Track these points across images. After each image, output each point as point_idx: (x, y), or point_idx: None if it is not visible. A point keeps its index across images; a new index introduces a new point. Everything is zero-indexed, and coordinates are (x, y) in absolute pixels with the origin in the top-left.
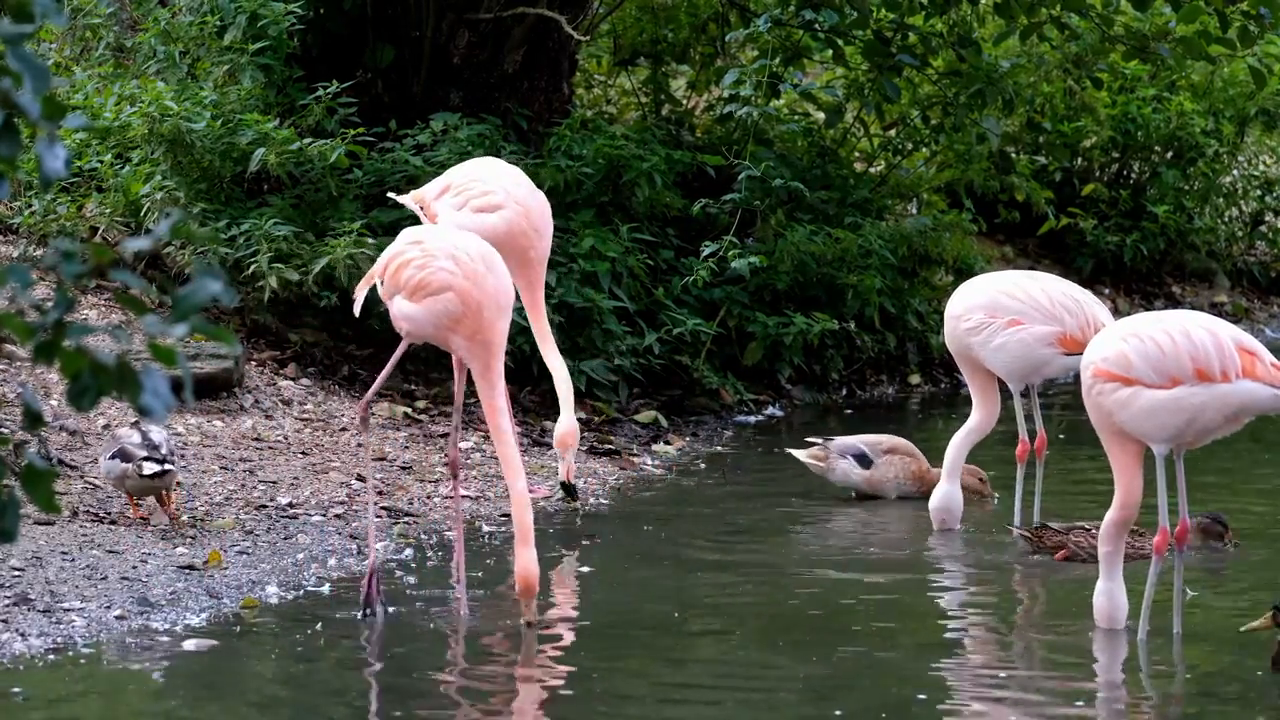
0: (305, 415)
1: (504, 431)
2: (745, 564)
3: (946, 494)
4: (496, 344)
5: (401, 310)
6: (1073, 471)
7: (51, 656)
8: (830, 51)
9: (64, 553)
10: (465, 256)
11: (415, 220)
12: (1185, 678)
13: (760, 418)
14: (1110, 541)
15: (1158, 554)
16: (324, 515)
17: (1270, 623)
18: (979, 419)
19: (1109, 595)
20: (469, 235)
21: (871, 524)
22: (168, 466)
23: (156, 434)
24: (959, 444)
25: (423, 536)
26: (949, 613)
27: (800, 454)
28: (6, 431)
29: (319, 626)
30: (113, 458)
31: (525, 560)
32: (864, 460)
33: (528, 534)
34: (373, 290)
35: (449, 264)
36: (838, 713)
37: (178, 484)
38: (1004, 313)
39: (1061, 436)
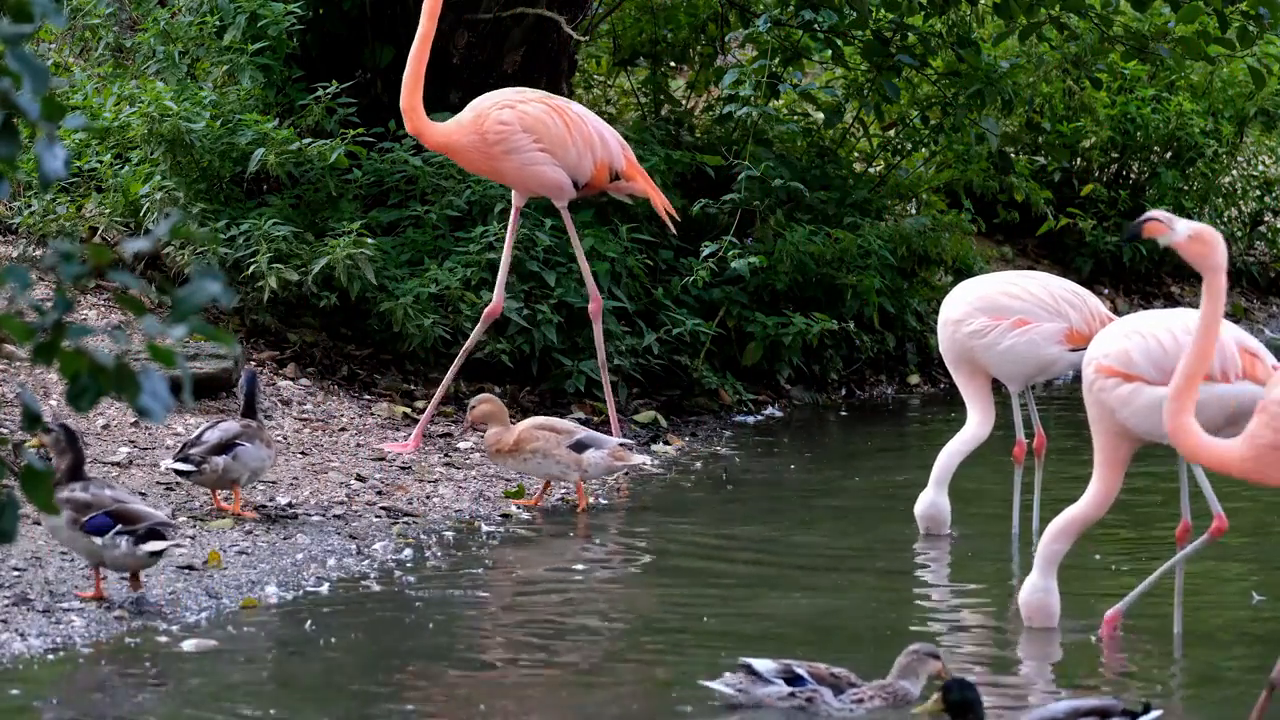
0: (304, 415)
1: None
2: (744, 565)
3: (933, 501)
4: None
5: None
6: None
7: (51, 657)
8: (830, 52)
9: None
10: None
11: (414, 219)
12: (1185, 678)
13: (759, 418)
14: (1062, 539)
15: (1180, 545)
16: (323, 515)
17: (940, 704)
18: (977, 427)
19: (1048, 592)
20: None
21: (872, 527)
22: (185, 467)
23: (214, 432)
24: (953, 452)
25: (422, 536)
26: (948, 615)
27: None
28: (6, 432)
29: (318, 627)
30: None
31: None
32: None
33: None
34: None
35: None
36: None
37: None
38: (1008, 314)
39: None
